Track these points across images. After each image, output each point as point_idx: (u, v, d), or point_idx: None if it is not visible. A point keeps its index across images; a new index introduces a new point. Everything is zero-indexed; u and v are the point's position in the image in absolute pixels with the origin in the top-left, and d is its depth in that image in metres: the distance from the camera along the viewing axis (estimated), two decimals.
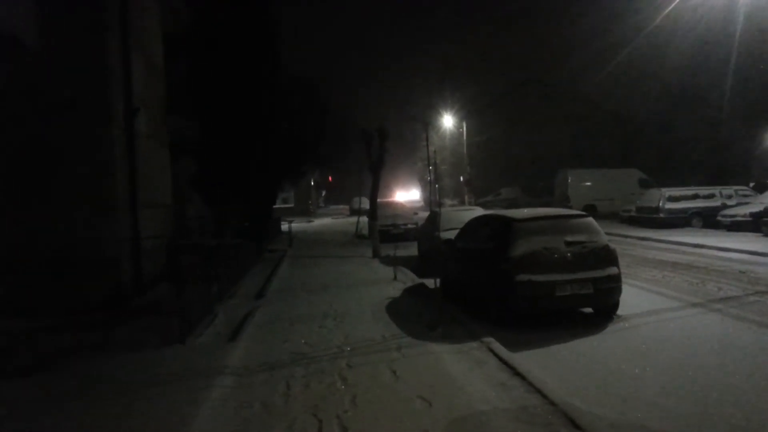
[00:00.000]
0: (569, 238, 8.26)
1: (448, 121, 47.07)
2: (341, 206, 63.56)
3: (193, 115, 15.12)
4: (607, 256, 8.36)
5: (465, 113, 46.92)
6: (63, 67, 9.23)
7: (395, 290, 11.49)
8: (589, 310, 8.72)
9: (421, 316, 8.90)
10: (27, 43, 8.76)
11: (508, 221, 8.76)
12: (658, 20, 27.45)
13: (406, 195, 76.62)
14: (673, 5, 25.01)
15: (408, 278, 12.93)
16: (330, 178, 68.56)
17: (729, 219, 20.44)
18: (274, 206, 26.06)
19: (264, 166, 19.18)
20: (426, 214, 21.52)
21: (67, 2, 9.34)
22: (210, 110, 16.36)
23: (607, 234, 9.13)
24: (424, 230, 17.06)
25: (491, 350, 6.82)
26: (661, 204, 22.85)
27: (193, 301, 8.42)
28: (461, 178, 46.34)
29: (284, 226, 27.73)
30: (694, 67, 29.80)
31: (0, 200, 9.17)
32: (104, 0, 9.59)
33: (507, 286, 8.04)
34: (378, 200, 20.97)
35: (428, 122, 42.02)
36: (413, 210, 29.75)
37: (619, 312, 8.59)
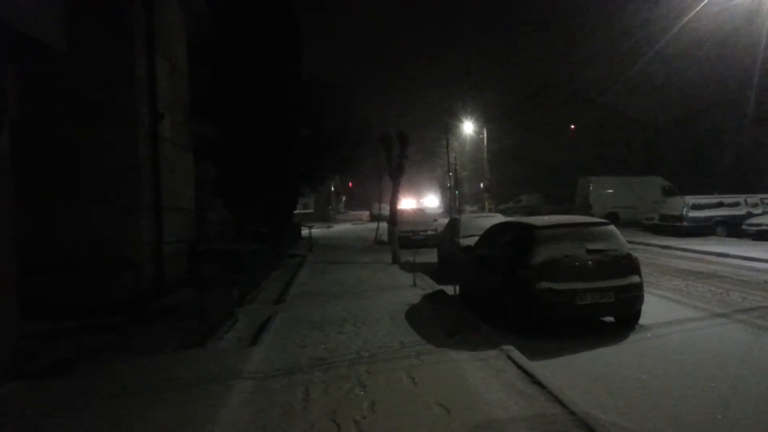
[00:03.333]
0: (590, 246, 8.20)
1: (468, 127, 46.95)
2: (361, 212, 63.66)
3: (215, 119, 15.28)
4: (629, 265, 8.27)
5: (485, 119, 46.78)
6: (89, 71, 9.39)
7: (414, 296, 11.48)
8: (610, 319, 8.63)
9: (440, 322, 8.88)
10: (55, 47, 8.94)
11: (529, 228, 8.72)
12: (680, 26, 27.15)
13: (426, 201, 76.53)
14: (695, 11, 24.74)
15: (427, 285, 12.91)
16: (350, 184, 68.85)
17: (755, 228, 20.11)
18: (295, 211, 26.18)
19: (285, 170, 19.30)
20: (446, 220, 21.48)
21: (93, 8, 9.51)
22: (232, 115, 16.52)
23: (629, 242, 9.05)
24: (444, 237, 17.02)
25: (510, 358, 6.78)
26: (684, 212, 22.55)
27: (213, 305, 8.50)
28: (481, 185, 46.18)
29: (304, 232, 27.88)
30: (717, 73, 29.45)
31: (27, 201, 9.33)
32: (130, 6, 9.75)
33: (527, 294, 7.99)
34: (398, 206, 20.98)
35: (449, 128, 41.99)
36: (433, 216, 29.69)
37: (641, 321, 8.49)
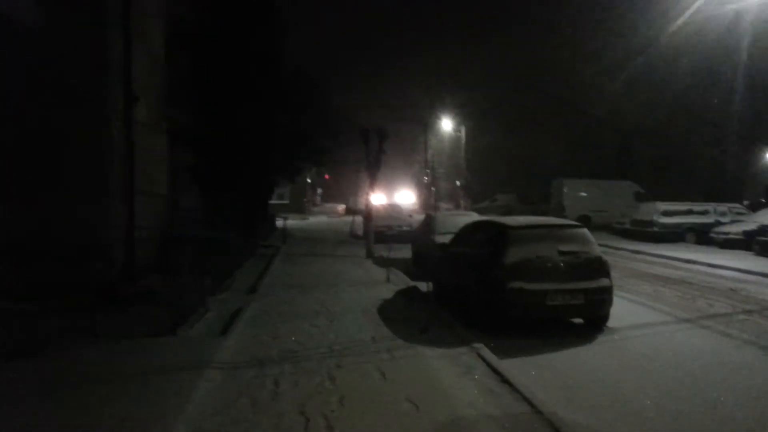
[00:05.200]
0: (563, 248, 8.28)
1: (446, 124, 47.08)
2: (337, 205, 63.52)
3: (193, 106, 15.10)
4: (600, 268, 8.39)
5: (464, 117, 46.94)
6: (64, 53, 9.22)
7: (387, 292, 11.48)
8: (579, 320, 8.75)
9: (412, 318, 8.90)
10: (29, 27, 8.75)
11: (503, 228, 8.78)
12: (661, 38, 27.56)
13: (402, 197, 76.58)
14: (676, 24, 25.15)
15: (401, 280, 12.93)
16: (327, 177, 68.49)
17: (722, 236, 20.54)
18: (270, 202, 25.98)
19: (261, 159, 19.14)
20: (421, 216, 21.53)
21: None
22: (209, 101, 16.34)
23: (601, 246, 9.17)
24: (419, 233, 17.06)
25: (480, 356, 6.83)
26: (655, 218, 22.96)
27: (185, 293, 8.41)
28: (457, 183, 46.38)
29: (279, 223, 27.70)
30: (694, 85, 29.94)
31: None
32: None
33: (499, 293, 8.06)
34: (373, 201, 20.96)
35: (427, 124, 42.01)
36: (408, 212, 29.75)
37: (610, 324, 8.61)
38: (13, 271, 8.84)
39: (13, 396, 5.40)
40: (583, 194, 31.04)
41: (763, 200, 31.06)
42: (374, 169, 19.66)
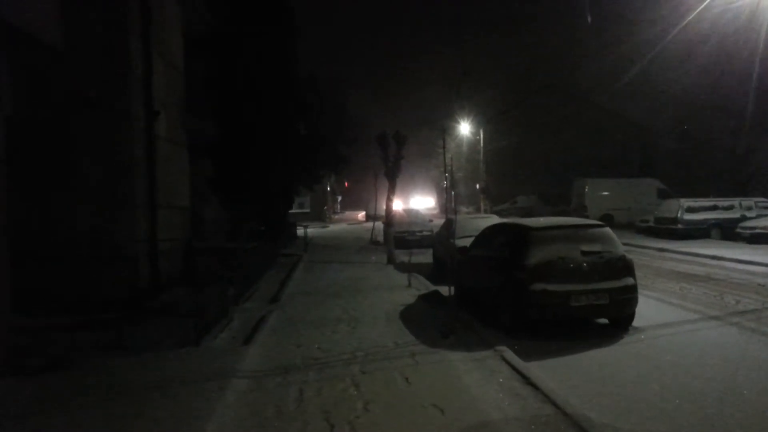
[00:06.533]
0: (585, 248, 8.21)
1: (464, 127, 46.95)
2: (357, 212, 63.65)
3: (211, 115, 15.24)
4: (624, 267, 8.30)
5: (482, 120, 46.79)
6: (86, 68, 9.38)
7: (409, 297, 11.48)
8: (604, 320, 8.65)
9: (434, 323, 8.88)
10: (52, 42, 8.92)
11: (524, 229, 8.73)
12: (679, 29, 27.19)
13: (422, 201, 76.47)
14: (693, 15, 24.80)
15: (422, 285, 12.91)
16: (346, 184, 68.74)
17: (749, 231, 20.19)
18: (291, 211, 26.13)
19: (282, 168, 19.26)
20: (441, 221, 21.48)
21: (90, 4, 9.48)
22: (228, 111, 16.48)
23: (624, 244, 9.07)
24: (440, 237, 17.03)
25: (504, 359, 6.79)
26: (679, 215, 22.62)
27: (208, 303, 8.48)
28: (477, 186, 46.19)
29: (300, 231, 27.85)
30: (715, 77, 29.52)
31: (23, 196, 9.31)
32: (126, 2, 9.72)
33: (521, 295, 8.01)
34: (394, 206, 20.97)
35: (445, 128, 41.92)
36: (429, 217, 29.71)
37: (635, 324, 8.51)
38: (39, 286, 9.00)
39: (42, 410, 5.48)
40: (605, 193, 30.74)
41: None
42: (393, 174, 19.70)
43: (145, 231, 9.97)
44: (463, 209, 45.75)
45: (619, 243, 8.60)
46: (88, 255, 9.25)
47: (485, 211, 38.19)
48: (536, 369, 6.44)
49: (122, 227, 9.56)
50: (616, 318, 8.51)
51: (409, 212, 28.00)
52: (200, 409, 5.37)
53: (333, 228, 42.59)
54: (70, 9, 9.26)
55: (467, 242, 11.46)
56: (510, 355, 6.92)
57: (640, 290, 8.50)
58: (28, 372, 6.58)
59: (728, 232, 21.48)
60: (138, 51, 9.94)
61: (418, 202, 70.41)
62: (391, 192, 20.17)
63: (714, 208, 22.83)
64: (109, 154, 9.55)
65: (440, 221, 23.24)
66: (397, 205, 25.60)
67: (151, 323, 8.60)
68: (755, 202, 23.25)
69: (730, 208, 22.79)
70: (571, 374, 6.53)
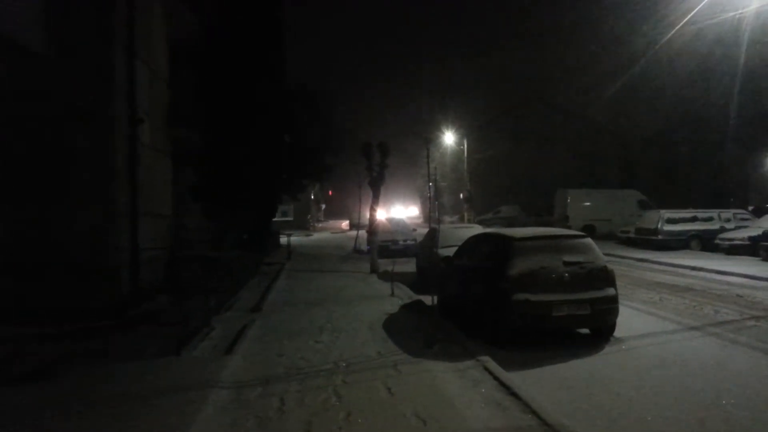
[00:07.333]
0: (567, 258, 8.27)
1: (449, 137, 47.20)
2: (341, 220, 63.61)
3: (196, 125, 15.17)
4: (605, 277, 8.37)
5: (466, 129, 47.09)
6: (69, 75, 9.32)
7: (392, 306, 11.47)
8: (586, 330, 8.71)
9: (417, 333, 8.88)
10: (35, 50, 8.86)
11: (507, 240, 8.78)
12: (661, 44, 27.62)
13: (406, 211, 76.61)
14: (675, 30, 25.19)
15: (405, 294, 12.91)
16: (330, 192, 68.70)
17: (727, 242, 20.47)
18: (274, 219, 26.05)
19: (265, 177, 19.20)
20: (425, 230, 21.53)
21: (73, 11, 9.44)
22: (213, 120, 16.41)
23: (605, 255, 9.15)
24: (423, 246, 17.06)
25: (487, 369, 6.80)
26: (659, 226, 22.89)
27: (190, 312, 8.42)
28: (461, 195, 46.40)
29: (283, 239, 27.74)
30: (696, 91, 30.03)
31: (2, 204, 9.21)
32: (110, 12, 9.69)
33: (504, 305, 8.04)
34: (377, 215, 20.98)
35: (429, 138, 42.06)
36: (412, 226, 29.76)
37: (616, 334, 8.58)
38: (22, 295, 8.89)
39: (21, 420, 5.40)
40: (587, 204, 31.03)
41: None
42: (377, 183, 19.73)
43: (127, 239, 9.90)
44: (447, 218, 45.91)
45: (600, 254, 8.68)
46: (69, 264, 9.17)
47: (469, 221, 38.35)
48: (519, 379, 6.47)
49: (104, 236, 9.49)
50: (597, 328, 8.57)
51: (392, 221, 28.03)
52: (181, 419, 5.31)
53: (316, 236, 42.49)
54: (54, 16, 9.22)
55: (451, 252, 11.50)
56: (493, 365, 6.94)
57: (621, 300, 8.58)
58: (14, 381, 6.56)
59: (707, 243, 21.77)
60: (122, 60, 9.91)
61: (402, 211, 70.56)
62: (374, 201, 20.18)
63: (694, 219, 23.13)
64: (91, 161, 9.48)
65: (424, 230, 23.30)
66: (381, 214, 25.66)
67: (134, 332, 8.54)
68: (734, 214, 23.62)
69: (710, 219, 23.11)
70: (553, 384, 6.56)
